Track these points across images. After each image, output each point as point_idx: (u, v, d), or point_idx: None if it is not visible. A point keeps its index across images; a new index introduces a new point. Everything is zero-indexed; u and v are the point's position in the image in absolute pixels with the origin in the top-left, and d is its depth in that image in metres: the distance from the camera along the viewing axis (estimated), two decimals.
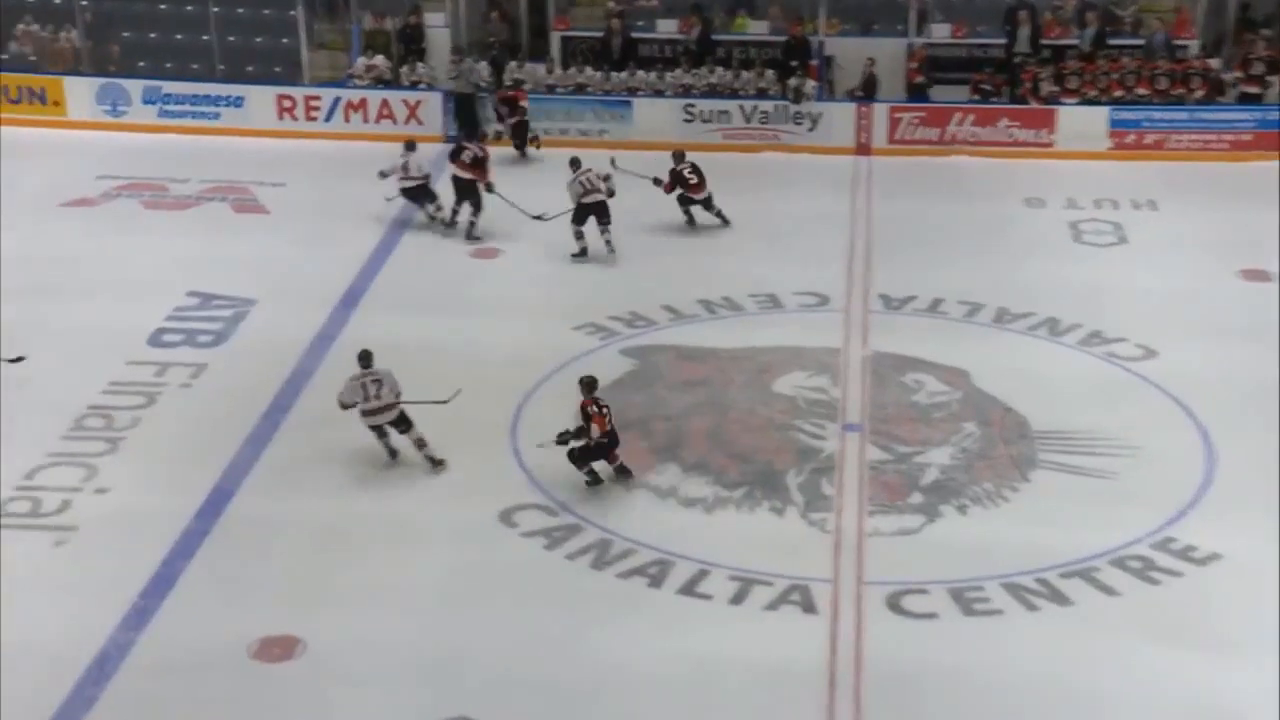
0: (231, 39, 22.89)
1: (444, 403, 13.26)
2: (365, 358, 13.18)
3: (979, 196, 19.72)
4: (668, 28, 22.89)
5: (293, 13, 22.65)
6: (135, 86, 22.22)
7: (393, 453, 13.32)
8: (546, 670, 10.85)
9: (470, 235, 18.32)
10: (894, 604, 11.52)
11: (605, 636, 11.21)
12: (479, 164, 18.33)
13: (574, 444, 12.84)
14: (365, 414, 13.13)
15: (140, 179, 20.29)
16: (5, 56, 22.88)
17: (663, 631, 11.29)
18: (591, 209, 17.45)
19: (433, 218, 18.67)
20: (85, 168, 20.54)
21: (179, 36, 22.91)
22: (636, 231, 18.10)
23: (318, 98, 22.03)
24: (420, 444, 13.22)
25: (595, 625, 11.33)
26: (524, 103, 21.30)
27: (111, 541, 12.31)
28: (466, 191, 18.34)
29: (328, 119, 22.03)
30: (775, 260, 17.63)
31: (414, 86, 22.29)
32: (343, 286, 17.00)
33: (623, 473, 13.04)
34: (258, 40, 22.97)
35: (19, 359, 14.62)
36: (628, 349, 15.52)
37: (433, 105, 21.80)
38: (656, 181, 18.27)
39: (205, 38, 22.75)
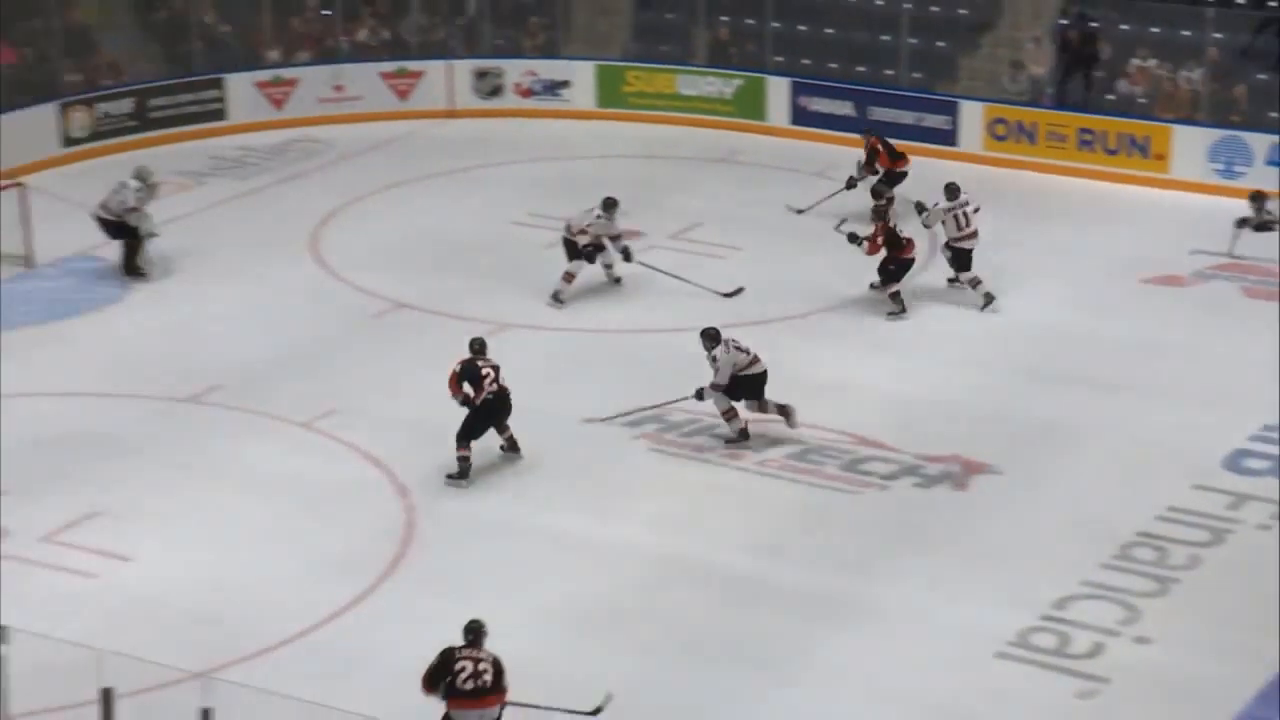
0: None
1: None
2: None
3: None
4: None
5: None
6: (1259, 141, 21.87)
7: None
8: None
9: None
10: None
11: None
12: None
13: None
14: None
15: (1246, 259, 19.83)
16: (1112, 97, 23.55)
17: None
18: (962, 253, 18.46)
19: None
20: (1179, 238, 20.49)
21: None
22: None
23: None
24: None
25: None
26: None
27: (1147, 705, 12.06)
28: None
29: None
30: None
31: None
32: None
33: (512, 447, 14.94)
34: None
35: (737, 291, 18.16)
36: None
37: None
38: (853, 238, 18.45)
39: None
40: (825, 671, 12.58)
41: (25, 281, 19.34)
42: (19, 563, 13.65)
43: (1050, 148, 23.22)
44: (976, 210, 18.69)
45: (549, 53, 25.97)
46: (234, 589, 13.30)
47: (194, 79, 24.54)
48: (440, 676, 11.05)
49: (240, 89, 24.66)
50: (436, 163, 23.44)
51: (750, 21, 25.70)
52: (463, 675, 11.01)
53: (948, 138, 23.80)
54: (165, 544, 14.02)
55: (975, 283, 18.55)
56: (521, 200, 21.98)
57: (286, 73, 25.05)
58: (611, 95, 25.49)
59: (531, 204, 21.80)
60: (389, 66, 25.40)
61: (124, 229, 19.01)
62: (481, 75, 25.61)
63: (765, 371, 15.60)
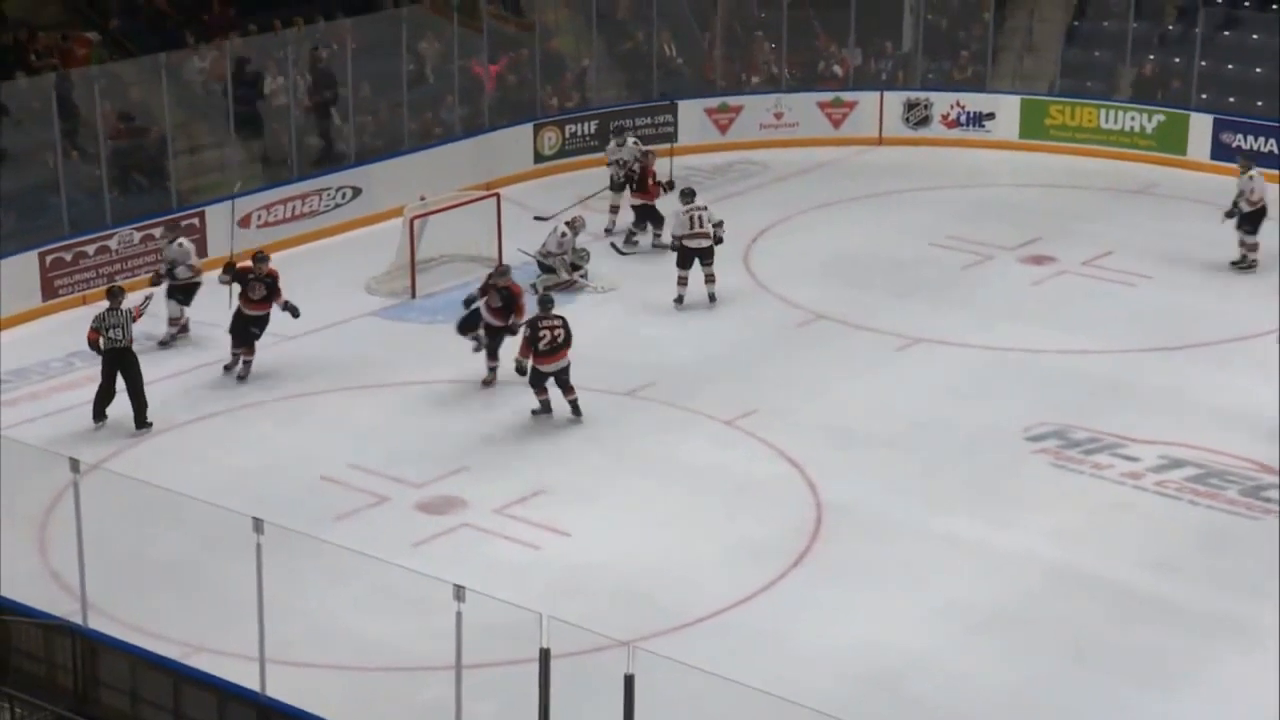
0: None
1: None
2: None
3: None
4: None
5: None
6: None
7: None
8: None
9: None
10: None
11: None
12: None
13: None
14: None
15: None
16: None
17: None
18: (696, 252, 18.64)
19: None
20: None
21: None
22: None
23: None
24: None
25: None
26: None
27: None
28: None
29: None
30: None
31: None
32: None
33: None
34: None
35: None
36: None
37: None
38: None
39: None
40: (1212, 689, 11.99)
41: None
42: (476, 531, 14.20)
43: None
44: (717, 222, 18.84)
45: (977, 86, 25.52)
46: (656, 568, 13.51)
47: (651, 104, 25.10)
48: (533, 341, 15.07)
49: (691, 114, 25.10)
50: (863, 186, 23.33)
51: (1177, 60, 24.70)
52: (543, 341, 15.00)
53: None
54: (600, 523, 14.33)
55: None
56: (941, 223, 21.67)
57: (733, 100, 25.37)
58: (1034, 127, 24.90)
59: (950, 227, 21.48)
60: (826, 96, 25.43)
61: (543, 266, 19.70)
62: (911, 106, 25.37)
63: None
